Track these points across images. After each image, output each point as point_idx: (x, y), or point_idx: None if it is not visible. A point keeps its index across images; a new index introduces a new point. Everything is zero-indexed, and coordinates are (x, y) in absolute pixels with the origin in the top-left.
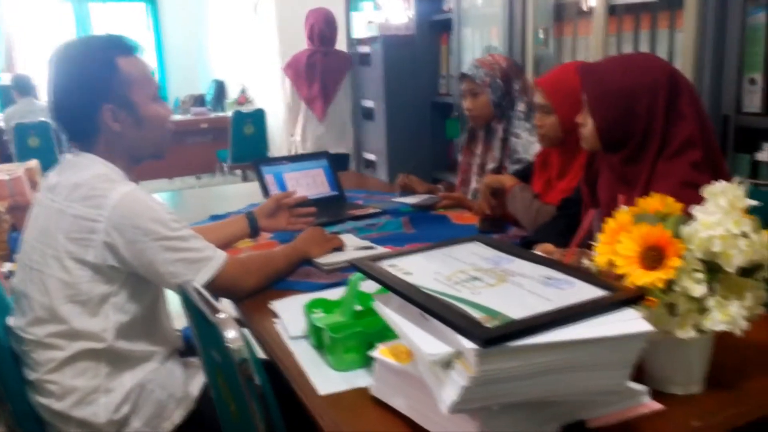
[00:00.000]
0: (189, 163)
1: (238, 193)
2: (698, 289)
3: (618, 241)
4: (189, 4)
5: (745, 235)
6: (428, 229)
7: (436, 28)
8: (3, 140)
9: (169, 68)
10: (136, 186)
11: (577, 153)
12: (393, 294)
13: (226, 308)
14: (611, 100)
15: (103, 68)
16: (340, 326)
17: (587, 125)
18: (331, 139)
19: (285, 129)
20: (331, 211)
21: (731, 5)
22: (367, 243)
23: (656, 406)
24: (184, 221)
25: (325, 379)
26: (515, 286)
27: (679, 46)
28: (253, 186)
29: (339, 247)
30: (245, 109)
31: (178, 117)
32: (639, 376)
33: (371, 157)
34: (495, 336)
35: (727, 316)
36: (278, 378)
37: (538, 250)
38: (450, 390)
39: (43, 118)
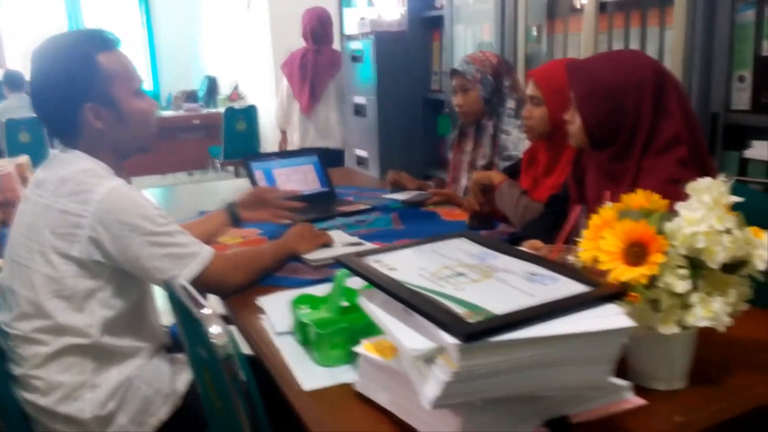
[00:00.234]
0: (181, 159)
1: (228, 189)
2: (681, 285)
3: (602, 237)
4: (182, 0)
5: (728, 231)
6: (418, 226)
7: (428, 25)
8: None
9: (162, 64)
10: (123, 181)
11: (564, 150)
12: (377, 290)
13: (213, 304)
14: (599, 97)
15: (82, 66)
16: (326, 322)
17: (575, 122)
18: (318, 135)
19: (276, 125)
20: (320, 207)
21: (720, 2)
22: (355, 239)
23: (639, 401)
24: (170, 217)
25: (310, 374)
26: (499, 282)
27: (669, 43)
28: (245, 182)
29: (327, 244)
30: (237, 105)
31: (170, 113)
32: (622, 371)
33: (363, 153)
34: (477, 331)
35: (710, 312)
36: (264, 374)
37: (526, 247)
38: (432, 385)
39: (34, 114)
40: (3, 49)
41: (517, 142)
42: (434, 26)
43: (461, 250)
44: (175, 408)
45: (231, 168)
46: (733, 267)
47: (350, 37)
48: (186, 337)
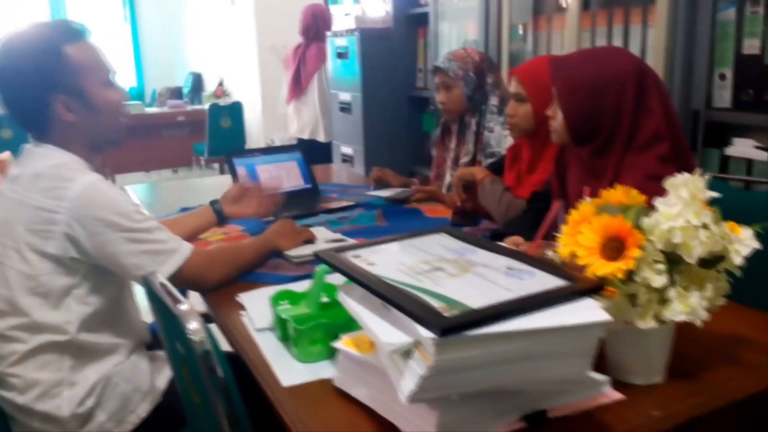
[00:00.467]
0: (165, 156)
1: (212, 186)
2: (658, 280)
3: (580, 233)
4: None
5: (705, 226)
6: (401, 222)
7: (413, 22)
8: None
9: (146, 61)
10: (99, 177)
11: (547, 146)
12: (356, 285)
13: (194, 302)
14: (580, 93)
15: (50, 58)
16: (305, 318)
17: (557, 118)
18: (302, 127)
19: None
20: (304, 203)
21: (701, 1)
22: (338, 236)
23: (617, 395)
24: (147, 213)
25: (289, 370)
26: (477, 276)
27: (652, 41)
28: (228, 178)
29: (310, 240)
30: (222, 102)
31: (154, 110)
32: (601, 366)
33: (348, 150)
34: (452, 325)
35: (688, 306)
36: (245, 371)
37: (507, 243)
38: (408, 379)
39: None
40: None
41: (500, 138)
42: (419, 23)
43: (440, 245)
44: (155, 405)
45: (216, 165)
46: (711, 262)
47: (335, 34)
48: (164, 334)
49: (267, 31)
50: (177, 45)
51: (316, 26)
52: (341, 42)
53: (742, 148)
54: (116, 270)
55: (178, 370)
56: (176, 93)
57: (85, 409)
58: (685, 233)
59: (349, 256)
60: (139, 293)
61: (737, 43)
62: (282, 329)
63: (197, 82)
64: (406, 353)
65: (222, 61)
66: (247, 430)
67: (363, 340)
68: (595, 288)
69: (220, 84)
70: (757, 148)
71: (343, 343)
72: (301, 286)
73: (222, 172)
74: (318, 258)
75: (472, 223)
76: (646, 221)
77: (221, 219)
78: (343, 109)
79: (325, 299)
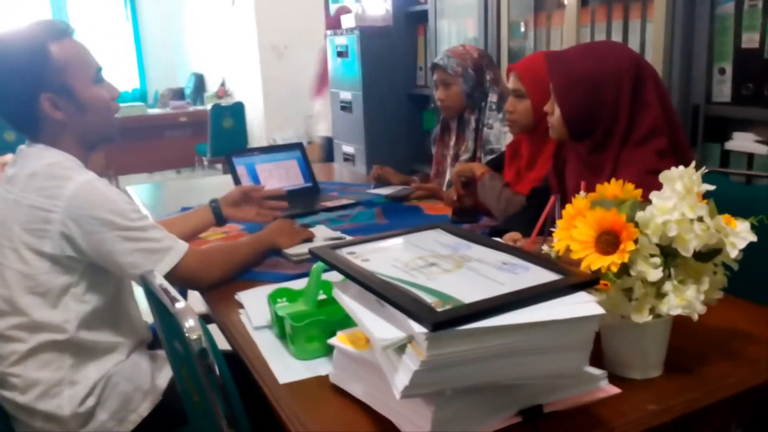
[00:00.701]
0: (168, 157)
1: (212, 186)
2: (654, 274)
3: (575, 227)
4: None
5: (700, 219)
6: (400, 220)
7: (412, 20)
8: None
9: (148, 62)
10: (94, 175)
11: (546, 142)
12: (351, 281)
13: (195, 302)
14: (577, 88)
15: (34, 57)
16: (302, 315)
17: (554, 114)
18: (326, 125)
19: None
20: (304, 202)
21: None
22: (338, 234)
23: (614, 390)
24: (144, 212)
25: (286, 368)
26: (471, 272)
27: (651, 36)
28: (229, 178)
29: (309, 239)
30: (224, 102)
31: (156, 111)
32: (598, 360)
33: (350, 149)
34: (444, 320)
35: (684, 300)
36: (243, 369)
37: (506, 239)
38: (402, 374)
39: None
40: None
41: (499, 135)
42: (419, 21)
43: (436, 241)
44: (156, 404)
45: (219, 165)
46: (707, 255)
47: (335, 33)
48: (163, 333)
49: (267, 30)
50: (179, 46)
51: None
52: (341, 41)
53: (742, 142)
54: (112, 268)
55: (178, 369)
56: (178, 94)
57: (86, 409)
58: (681, 226)
59: (344, 252)
60: (140, 292)
61: (736, 37)
62: (280, 327)
63: (199, 82)
64: (400, 349)
65: (223, 62)
66: (245, 428)
67: (358, 336)
68: (588, 282)
69: (222, 84)
70: (758, 142)
71: (339, 340)
72: (299, 284)
73: (225, 172)
74: (313, 255)
75: (472, 220)
76: (642, 215)
77: (220, 219)
78: (343, 108)
79: (322, 296)
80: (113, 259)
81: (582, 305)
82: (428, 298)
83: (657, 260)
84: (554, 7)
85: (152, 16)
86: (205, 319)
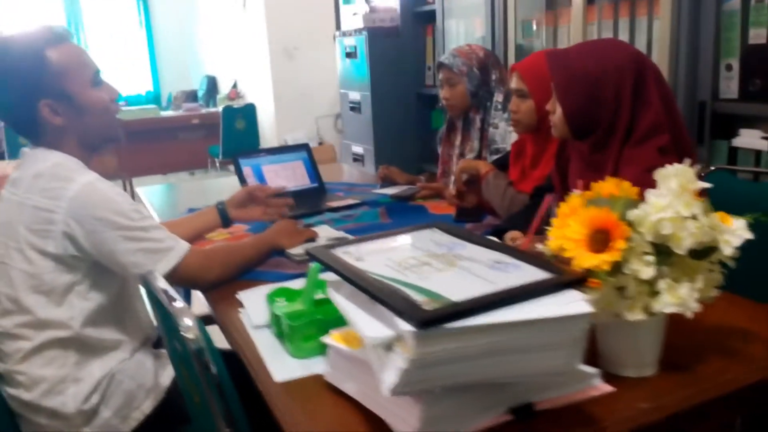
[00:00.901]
0: (182, 159)
1: (221, 187)
2: (647, 272)
3: (568, 225)
4: (180, 0)
5: (694, 217)
6: (405, 220)
7: (421, 20)
8: None
9: (162, 64)
10: (97, 176)
11: (550, 141)
12: (343, 280)
13: (198, 303)
14: (578, 86)
15: (32, 64)
16: (298, 314)
17: (556, 112)
18: None
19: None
20: (310, 202)
21: None
22: (341, 234)
23: (607, 388)
24: (145, 212)
25: (283, 366)
26: (463, 271)
27: (657, 33)
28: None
29: (312, 238)
30: (236, 104)
31: (169, 113)
32: (593, 359)
33: (359, 149)
34: (431, 318)
35: (677, 298)
36: (244, 368)
37: (507, 238)
38: (390, 372)
39: None
40: None
41: (505, 135)
42: (427, 21)
43: (431, 240)
44: (158, 402)
45: (231, 167)
46: (702, 253)
47: (344, 34)
48: (164, 332)
49: (277, 32)
50: (192, 49)
51: None
52: (350, 42)
53: (748, 139)
54: (115, 268)
55: (178, 368)
56: (191, 96)
57: (90, 406)
58: (674, 224)
59: (340, 252)
60: None
61: (743, 33)
62: (278, 326)
63: (212, 85)
64: (389, 347)
65: (235, 64)
66: (243, 427)
67: (352, 335)
68: (578, 280)
69: (234, 86)
70: (764, 138)
71: (333, 339)
72: (299, 284)
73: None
74: (308, 255)
75: (476, 219)
76: (636, 213)
77: (225, 221)
78: (352, 109)
79: (320, 296)
80: (115, 258)
81: (571, 304)
82: (418, 297)
83: (651, 258)
84: (562, 5)
85: (165, 19)
86: (208, 319)
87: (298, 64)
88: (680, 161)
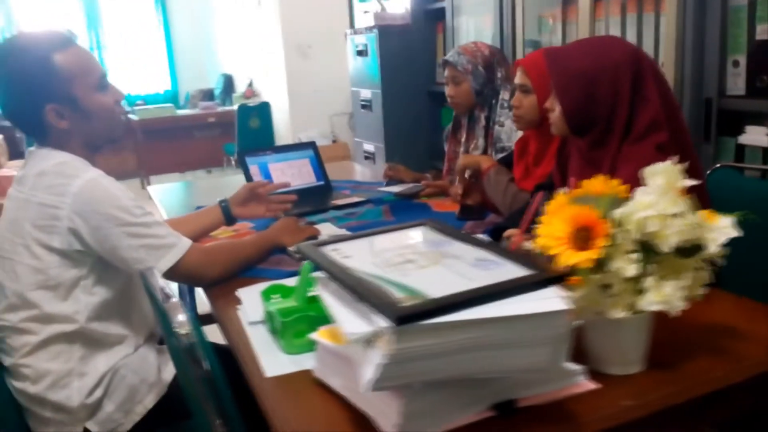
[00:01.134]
0: (198, 157)
1: (232, 185)
2: (631, 269)
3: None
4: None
5: (680, 215)
6: (408, 217)
7: (431, 17)
8: (17, 138)
9: (179, 63)
10: (101, 173)
11: (553, 139)
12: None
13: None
14: (575, 83)
15: (39, 69)
16: (291, 310)
17: (555, 110)
18: None
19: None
20: (315, 200)
21: None
22: (343, 232)
23: (591, 386)
24: (148, 209)
25: (274, 362)
26: (445, 268)
27: (664, 29)
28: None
29: (314, 236)
30: (251, 102)
31: (186, 112)
32: (579, 356)
33: (370, 147)
34: (408, 314)
35: (662, 296)
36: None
37: (506, 236)
38: (369, 368)
39: None
40: None
41: (510, 133)
42: (438, 18)
43: (419, 238)
44: (161, 396)
45: None
46: (690, 251)
47: (355, 32)
48: (162, 327)
49: (292, 31)
50: (209, 47)
51: None
52: (360, 40)
53: (754, 136)
54: (118, 263)
55: (178, 363)
56: (208, 95)
57: (93, 400)
58: (660, 222)
59: (329, 249)
60: None
61: (750, 28)
62: (272, 322)
63: (228, 83)
64: (369, 343)
65: (251, 62)
66: (236, 422)
67: (338, 331)
68: (558, 277)
69: (250, 85)
70: None
71: (320, 335)
72: (297, 281)
73: None
74: (298, 252)
75: (479, 217)
76: (622, 211)
77: (229, 218)
78: (363, 107)
79: (314, 292)
80: (118, 253)
81: (548, 301)
82: (398, 294)
83: (636, 256)
84: (573, 1)
85: (183, 18)
86: (210, 318)
87: (312, 62)
88: (680, 158)
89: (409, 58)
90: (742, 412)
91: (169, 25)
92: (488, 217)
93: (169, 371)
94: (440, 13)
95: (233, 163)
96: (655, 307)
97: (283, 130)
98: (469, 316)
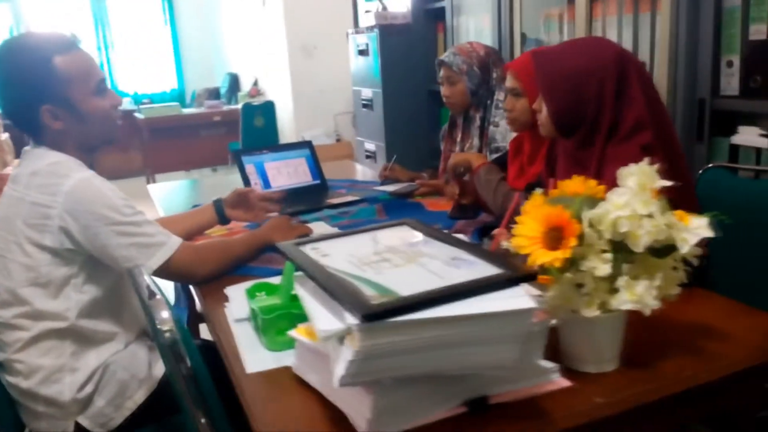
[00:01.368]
0: (204, 155)
1: (229, 184)
2: (604, 269)
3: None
4: None
5: (651, 215)
6: (401, 216)
7: (432, 17)
8: (24, 136)
9: (186, 62)
10: (93, 173)
11: (547, 138)
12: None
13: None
14: (560, 84)
15: (39, 70)
16: (273, 308)
17: (542, 111)
18: None
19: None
20: (310, 199)
21: None
22: (335, 230)
23: (565, 383)
24: (137, 207)
25: (256, 358)
26: (419, 267)
27: (659, 29)
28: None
29: (306, 235)
30: (256, 101)
31: (192, 110)
32: (555, 354)
33: (371, 146)
34: (375, 312)
35: (634, 295)
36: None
37: (492, 235)
38: (340, 364)
39: None
40: None
41: (505, 133)
42: (438, 18)
43: (399, 237)
44: (151, 392)
45: None
46: (665, 251)
47: (356, 31)
48: (150, 324)
49: (296, 30)
50: (215, 46)
51: None
52: (362, 39)
53: (747, 136)
54: (108, 262)
55: (166, 360)
56: (214, 93)
57: (84, 395)
58: (631, 222)
59: (307, 248)
60: None
61: (744, 29)
62: (255, 319)
63: (234, 82)
64: (340, 339)
65: (256, 62)
66: (220, 417)
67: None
68: (528, 276)
69: (255, 84)
70: (762, 135)
71: (298, 332)
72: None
73: None
74: (278, 250)
75: (471, 216)
76: (596, 211)
77: (223, 218)
78: (365, 106)
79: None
80: (108, 252)
81: (515, 299)
82: (368, 291)
83: (608, 256)
84: (571, 1)
85: (189, 17)
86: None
87: (316, 61)
88: (666, 158)
89: (409, 57)
90: (718, 411)
91: (176, 25)
92: (480, 216)
93: (160, 367)
94: (440, 13)
95: None
96: (627, 306)
97: (288, 129)
98: (437, 314)
